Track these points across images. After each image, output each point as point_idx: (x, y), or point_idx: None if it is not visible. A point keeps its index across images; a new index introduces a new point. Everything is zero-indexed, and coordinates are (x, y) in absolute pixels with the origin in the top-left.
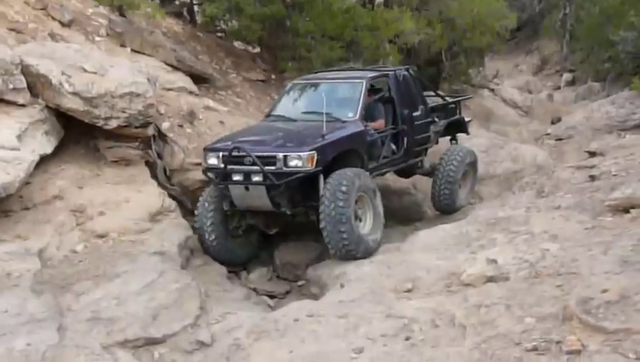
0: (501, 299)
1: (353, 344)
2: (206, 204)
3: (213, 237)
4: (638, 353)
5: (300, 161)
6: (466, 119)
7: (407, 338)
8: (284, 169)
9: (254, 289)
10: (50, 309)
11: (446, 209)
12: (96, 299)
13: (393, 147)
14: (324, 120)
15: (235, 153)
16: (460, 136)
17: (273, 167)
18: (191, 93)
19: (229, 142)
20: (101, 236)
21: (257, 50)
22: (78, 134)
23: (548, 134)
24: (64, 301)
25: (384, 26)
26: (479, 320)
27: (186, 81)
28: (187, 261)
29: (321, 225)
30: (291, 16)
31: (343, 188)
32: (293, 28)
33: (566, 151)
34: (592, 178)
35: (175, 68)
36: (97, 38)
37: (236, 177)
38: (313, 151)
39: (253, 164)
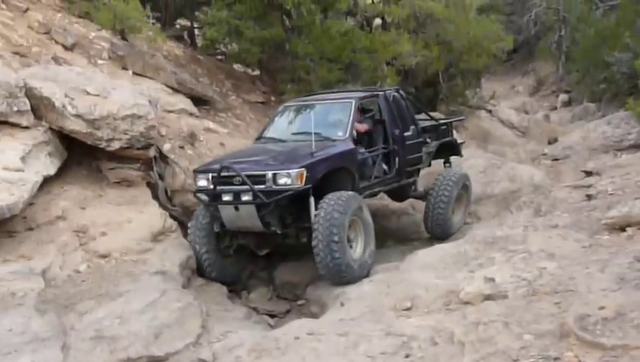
0: (499, 317)
1: None
2: (197, 227)
3: (205, 257)
4: None
5: (289, 178)
6: (459, 141)
7: (406, 356)
8: (274, 187)
9: (255, 309)
10: (54, 328)
11: (439, 234)
12: (99, 318)
13: (385, 167)
14: (314, 139)
15: (224, 173)
16: (457, 157)
17: (263, 186)
18: (191, 115)
19: (218, 164)
20: (104, 256)
21: (257, 72)
22: (80, 155)
23: (545, 154)
24: (68, 320)
25: (382, 49)
26: (478, 338)
27: (186, 103)
28: (188, 280)
29: (314, 249)
30: (290, 40)
31: (336, 215)
32: (293, 51)
33: (563, 170)
34: (589, 197)
35: (176, 90)
36: (100, 61)
37: (226, 197)
38: (302, 169)
39: (243, 183)
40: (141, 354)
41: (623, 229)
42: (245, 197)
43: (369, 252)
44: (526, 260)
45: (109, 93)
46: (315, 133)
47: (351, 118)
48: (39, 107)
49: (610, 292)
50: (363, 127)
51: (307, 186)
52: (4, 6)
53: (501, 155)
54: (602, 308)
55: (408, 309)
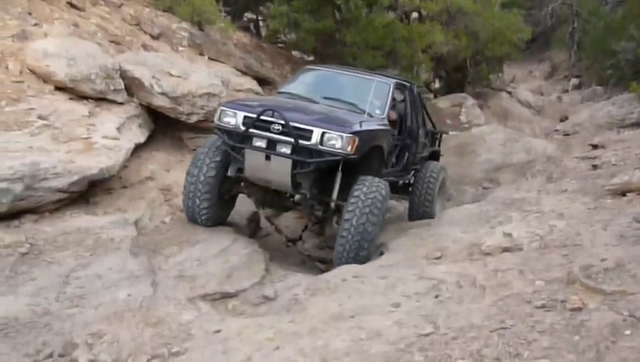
0: (515, 265)
1: (391, 300)
2: (204, 168)
3: (205, 205)
4: (630, 311)
5: (339, 141)
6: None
7: (436, 296)
8: (320, 147)
9: (308, 256)
10: (145, 268)
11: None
12: (181, 260)
13: (393, 160)
14: (362, 109)
15: (265, 116)
16: (481, 130)
17: (307, 143)
18: (257, 93)
19: (251, 104)
20: (183, 210)
21: (311, 58)
22: (165, 127)
23: (557, 130)
24: (156, 262)
25: (418, 38)
26: (497, 282)
27: (252, 84)
28: (254, 231)
29: (343, 232)
30: (340, 30)
31: (378, 204)
32: (342, 40)
33: (572, 144)
34: (595, 167)
35: (244, 73)
36: (181, 48)
37: (258, 143)
38: (355, 135)
39: (282, 133)
40: (215, 291)
41: (623, 194)
42: (283, 149)
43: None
44: (539, 219)
45: (189, 75)
46: (352, 104)
47: (389, 99)
48: (131, 86)
49: (611, 246)
50: (393, 114)
51: (355, 155)
52: (102, 2)
53: (519, 131)
54: (604, 259)
55: (438, 258)
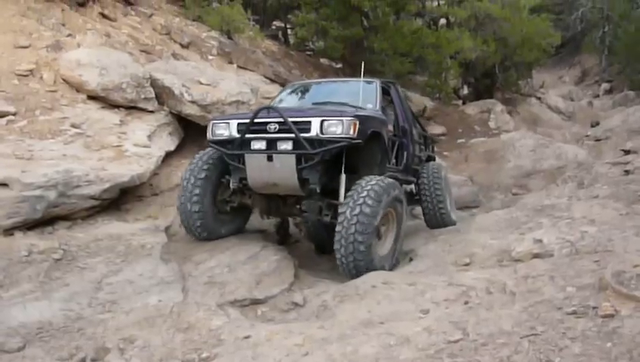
0: (546, 272)
1: (420, 306)
2: (192, 179)
3: (196, 208)
4: None
5: (340, 126)
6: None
7: (465, 302)
8: (321, 136)
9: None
10: (176, 274)
11: (442, 226)
12: (211, 266)
13: (394, 160)
14: (354, 106)
15: (260, 116)
16: (510, 136)
17: (307, 135)
18: None
19: (241, 114)
20: None
21: (340, 65)
22: (194, 135)
23: (588, 135)
24: (186, 268)
25: (446, 44)
26: (527, 289)
27: None
28: (283, 238)
29: (335, 239)
30: (368, 37)
31: (370, 201)
32: (370, 47)
33: (604, 149)
34: (627, 172)
35: (272, 80)
36: (210, 57)
37: (257, 145)
38: (355, 118)
39: (280, 130)
40: (245, 297)
41: None
42: (283, 146)
43: (394, 250)
44: (570, 225)
45: (218, 83)
46: (342, 103)
47: (378, 94)
48: (161, 95)
49: None
50: (389, 127)
51: (359, 140)
52: (133, 12)
53: (549, 136)
54: (636, 265)
55: (467, 264)
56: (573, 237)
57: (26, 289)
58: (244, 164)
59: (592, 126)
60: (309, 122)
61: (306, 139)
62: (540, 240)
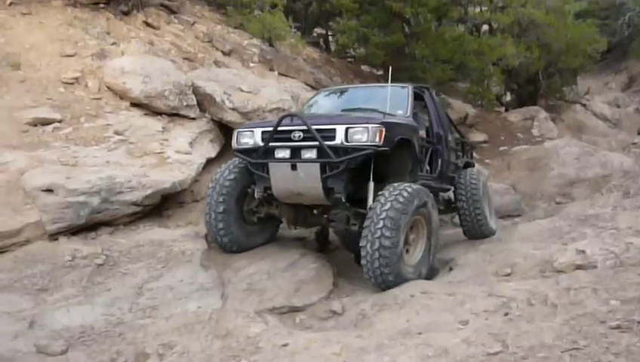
0: (589, 284)
1: (460, 317)
2: (215, 195)
3: (223, 233)
4: None
5: (365, 134)
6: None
7: (505, 314)
8: (346, 144)
9: None
10: (215, 280)
11: (482, 236)
12: (250, 273)
13: (427, 167)
14: (383, 112)
15: (284, 124)
16: (554, 144)
17: (331, 143)
18: None
19: (266, 122)
20: None
21: (381, 72)
22: None
23: (635, 143)
24: (225, 275)
25: (489, 51)
26: (569, 301)
27: None
28: (322, 246)
29: (362, 243)
30: (409, 44)
31: (398, 205)
32: (411, 53)
33: None
34: None
35: (313, 87)
36: (251, 64)
37: (280, 154)
38: (381, 125)
39: (304, 139)
40: (284, 304)
41: None
42: (308, 155)
43: (426, 260)
44: (614, 236)
45: (259, 90)
46: (372, 109)
47: (409, 100)
48: (203, 102)
49: None
50: (421, 133)
51: (385, 147)
52: (176, 20)
53: (594, 144)
54: None
55: (508, 275)
56: (618, 248)
57: (70, 293)
58: (268, 173)
59: (639, 133)
60: (334, 130)
61: (330, 147)
62: (583, 251)
